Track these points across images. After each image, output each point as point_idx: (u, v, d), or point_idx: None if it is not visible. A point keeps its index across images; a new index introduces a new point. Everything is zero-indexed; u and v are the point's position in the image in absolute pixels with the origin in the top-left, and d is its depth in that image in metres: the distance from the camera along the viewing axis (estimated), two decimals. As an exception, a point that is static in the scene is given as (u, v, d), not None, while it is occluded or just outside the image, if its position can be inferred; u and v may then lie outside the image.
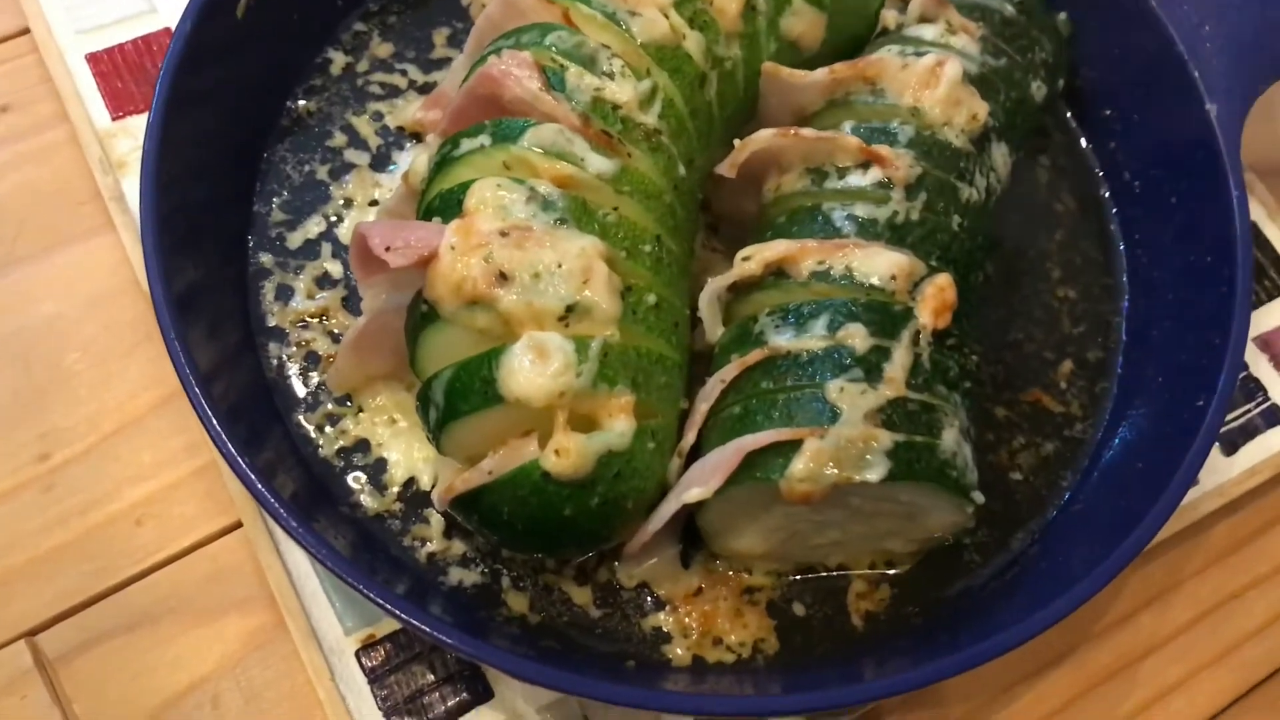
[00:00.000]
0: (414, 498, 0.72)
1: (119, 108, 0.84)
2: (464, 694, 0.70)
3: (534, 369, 0.60)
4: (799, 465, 0.61)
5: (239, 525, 0.74)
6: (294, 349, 0.75)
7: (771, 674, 0.68)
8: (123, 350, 0.79)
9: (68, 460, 0.76)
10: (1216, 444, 0.80)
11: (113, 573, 0.73)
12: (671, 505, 0.64)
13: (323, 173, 0.80)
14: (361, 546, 0.68)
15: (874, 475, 0.61)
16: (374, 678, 0.70)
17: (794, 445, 0.62)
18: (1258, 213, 0.89)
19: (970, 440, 0.67)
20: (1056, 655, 0.77)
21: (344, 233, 0.78)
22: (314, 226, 0.79)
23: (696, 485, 0.63)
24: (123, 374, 0.79)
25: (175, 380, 0.77)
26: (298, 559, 0.72)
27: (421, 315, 0.64)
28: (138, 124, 0.83)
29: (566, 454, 0.60)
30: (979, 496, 0.65)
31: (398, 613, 0.59)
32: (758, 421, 0.64)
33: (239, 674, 0.71)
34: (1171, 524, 0.77)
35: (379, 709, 0.69)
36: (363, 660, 0.70)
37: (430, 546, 0.70)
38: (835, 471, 0.61)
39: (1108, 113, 0.84)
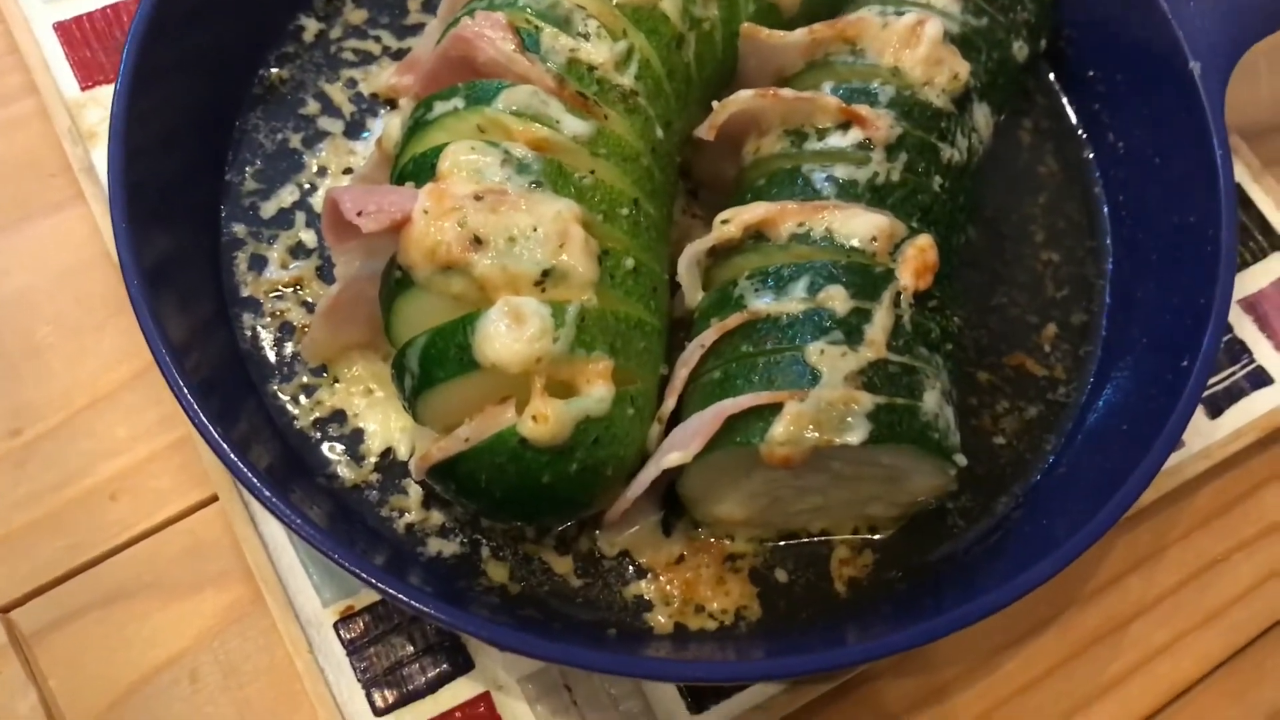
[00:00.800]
0: (391, 468, 0.71)
1: (88, 77, 0.82)
2: (444, 665, 0.69)
3: (510, 334, 0.59)
4: (779, 429, 0.60)
5: (215, 499, 0.74)
6: (268, 319, 0.74)
7: (754, 640, 0.67)
8: (95, 323, 0.78)
9: (40, 435, 0.75)
10: (1201, 406, 0.80)
11: (87, 548, 0.72)
12: (651, 471, 0.63)
13: (296, 141, 0.79)
14: (339, 518, 0.67)
15: (855, 438, 0.60)
16: (353, 649, 0.69)
17: (774, 409, 0.61)
18: (1242, 174, 0.88)
19: (952, 403, 0.66)
20: (1043, 620, 0.77)
21: (318, 202, 0.77)
22: (287, 195, 0.77)
23: (676, 450, 0.62)
24: (95, 347, 0.77)
25: (148, 354, 0.76)
26: (274, 531, 0.71)
27: (395, 282, 0.63)
28: (107, 94, 0.82)
29: (544, 420, 0.59)
30: (961, 459, 0.64)
31: (376, 583, 0.59)
32: (738, 385, 0.63)
33: (217, 648, 0.70)
34: (1157, 487, 0.77)
35: (358, 681, 0.68)
36: (341, 632, 0.69)
37: (408, 517, 0.70)
38: (816, 434, 0.60)
39: (1091, 74, 0.83)
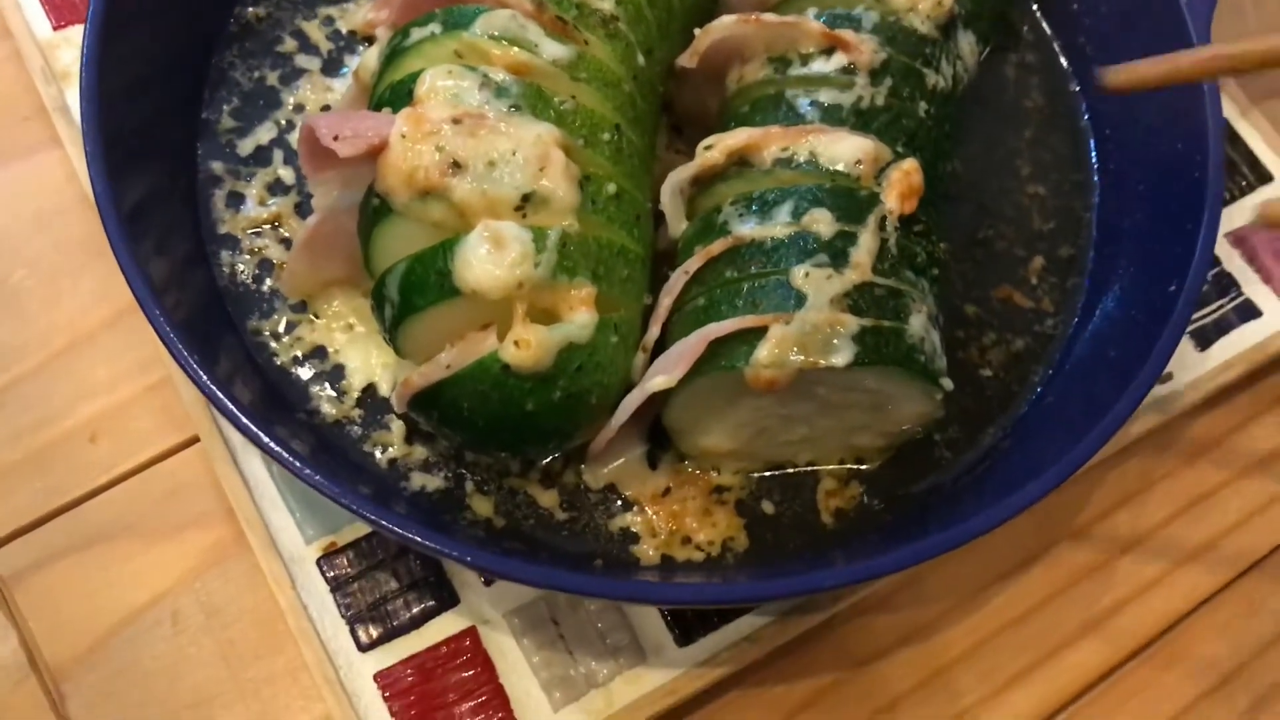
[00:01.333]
0: (373, 404, 0.70)
1: (60, 17, 0.81)
2: (429, 600, 0.69)
3: (490, 259, 0.59)
4: (764, 351, 0.60)
5: (195, 441, 0.73)
6: (247, 257, 0.73)
7: (741, 570, 0.67)
8: (72, 267, 0.77)
9: (17, 378, 0.74)
10: (1190, 339, 0.80)
11: (66, 490, 0.72)
12: (636, 396, 0.63)
13: (273, 79, 0.78)
14: (321, 453, 0.67)
15: (840, 360, 0.60)
16: (336, 586, 0.68)
17: (759, 333, 0.60)
18: (1230, 110, 0.87)
19: (938, 328, 0.65)
20: (1031, 555, 0.76)
21: (296, 139, 0.76)
22: (265, 133, 0.76)
23: (661, 374, 0.61)
24: (73, 291, 0.76)
25: (127, 296, 0.74)
26: (255, 469, 0.70)
27: (374, 210, 0.62)
28: (79, 34, 0.79)
29: (526, 345, 0.59)
30: (947, 383, 0.64)
31: (367, 515, 0.58)
32: (722, 311, 0.62)
33: (198, 589, 0.70)
34: (1146, 420, 0.77)
35: (342, 618, 0.68)
36: (324, 569, 0.69)
37: (391, 452, 0.69)
38: (801, 357, 0.60)
39: (1075, 6, 0.83)
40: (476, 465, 0.69)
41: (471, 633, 0.68)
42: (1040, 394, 0.74)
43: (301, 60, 0.79)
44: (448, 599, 0.69)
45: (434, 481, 0.68)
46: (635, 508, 0.69)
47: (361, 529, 0.70)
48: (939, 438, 0.72)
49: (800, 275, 0.61)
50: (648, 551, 0.68)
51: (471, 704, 0.67)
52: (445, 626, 0.68)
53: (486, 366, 0.60)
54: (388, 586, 0.69)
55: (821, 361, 0.60)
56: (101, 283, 0.77)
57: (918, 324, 0.63)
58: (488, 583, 0.69)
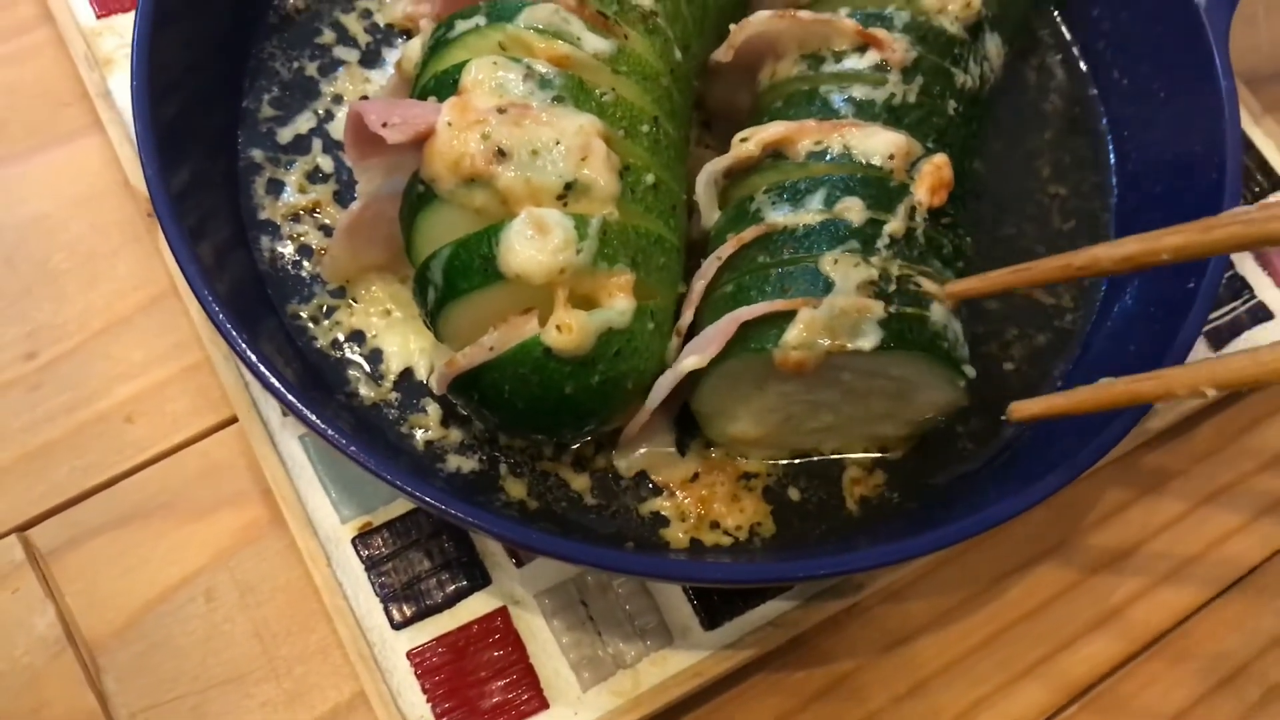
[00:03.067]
0: (410, 387, 0.72)
1: (104, 6, 0.83)
2: (461, 580, 0.70)
3: (534, 245, 0.60)
4: (792, 334, 0.62)
5: (231, 422, 0.74)
6: (286, 242, 0.74)
7: (768, 555, 0.68)
8: (110, 250, 0.78)
9: (56, 358, 0.75)
10: (1204, 340, 0.82)
11: (103, 469, 0.73)
12: (670, 378, 0.64)
13: (312, 69, 0.79)
14: (359, 433, 0.68)
15: (867, 344, 0.62)
16: (370, 565, 0.70)
17: (788, 316, 0.62)
18: (1243, 117, 0.89)
19: (960, 318, 0.67)
20: (1048, 548, 0.78)
21: (335, 129, 0.78)
22: (304, 122, 0.78)
23: (693, 355, 0.63)
24: (111, 273, 0.78)
25: (164, 280, 0.77)
26: (293, 450, 0.72)
27: (418, 196, 0.64)
28: (122, 22, 0.82)
29: (568, 330, 0.60)
30: (970, 370, 0.66)
31: (407, 488, 0.59)
32: (752, 296, 0.64)
33: (233, 567, 0.71)
34: (1162, 417, 0.79)
35: (376, 596, 0.69)
36: (359, 548, 0.70)
37: (428, 434, 0.70)
38: (828, 340, 0.61)
39: (1095, 12, 0.85)
40: (510, 449, 0.71)
41: (503, 613, 0.70)
42: (1060, 388, 0.75)
43: (340, 52, 0.80)
44: (480, 579, 0.70)
45: (469, 463, 0.70)
46: (665, 492, 0.70)
47: (396, 510, 0.71)
48: (961, 429, 0.74)
49: (829, 262, 0.63)
50: (677, 535, 0.69)
51: (502, 682, 0.68)
52: (477, 606, 0.70)
53: (529, 349, 0.61)
54: (421, 566, 0.70)
55: (849, 345, 0.62)
56: (139, 266, 0.78)
57: (940, 313, 0.64)
58: (519, 564, 0.71)
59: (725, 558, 0.68)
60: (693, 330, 0.66)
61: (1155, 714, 0.75)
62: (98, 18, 0.82)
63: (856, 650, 0.74)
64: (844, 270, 0.63)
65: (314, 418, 0.60)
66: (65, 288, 0.77)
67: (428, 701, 0.67)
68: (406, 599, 0.69)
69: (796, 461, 0.72)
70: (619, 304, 0.62)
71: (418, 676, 0.68)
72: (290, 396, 0.60)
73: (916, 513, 0.71)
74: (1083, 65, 0.86)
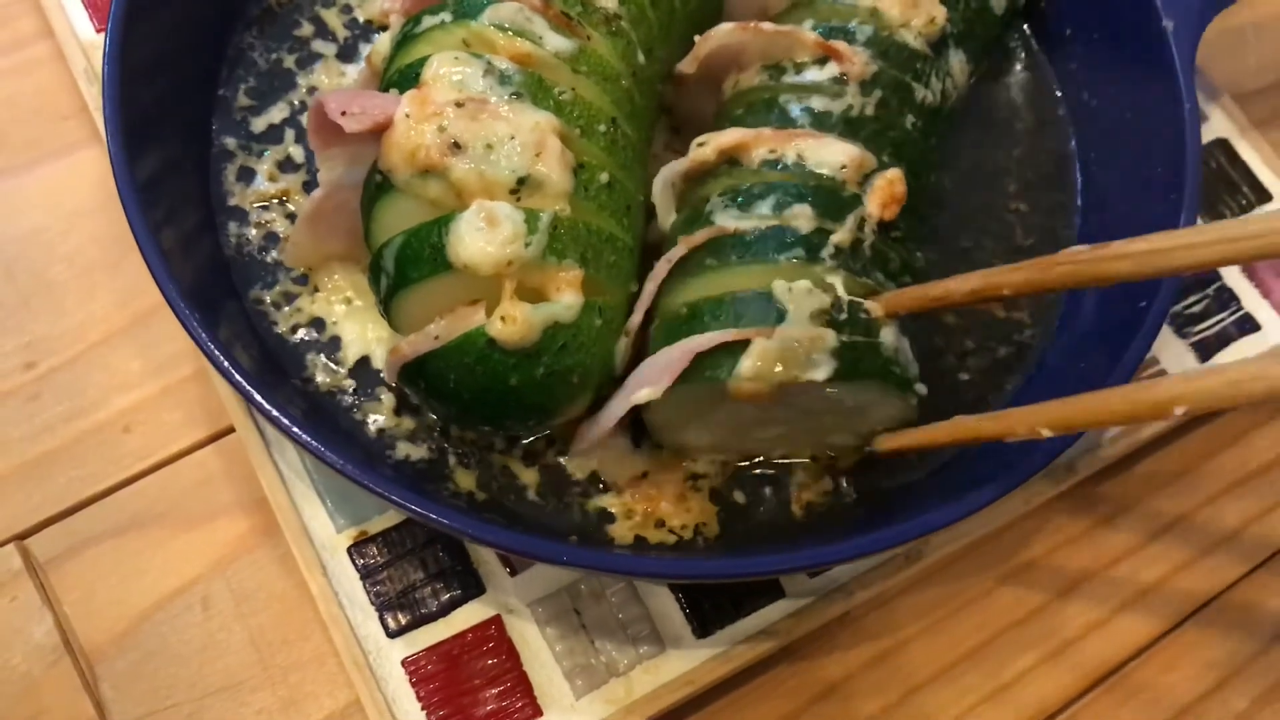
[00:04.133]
0: (366, 375, 0.73)
1: (104, 20, 0.83)
2: (456, 589, 0.71)
3: (483, 236, 0.61)
4: (746, 365, 0.62)
5: (227, 433, 0.75)
6: (253, 229, 0.76)
7: (710, 554, 0.69)
8: (109, 262, 0.79)
9: (54, 369, 0.76)
10: (1191, 351, 0.83)
11: (101, 478, 0.74)
12: (621, 405, 0.65)
13: (290, 61, 0.81)
14: (312, 418, 0.69)
15: (820, 374, 0.62)
16: (366, 574, 0.71)
17: (742, 345, 0.62)
18: (1229, 130, 0.90)
19: (908, 332, 0.67)
20: (1034, 558, 0.79)
21: (307, 120, 0.79)
22: (278, 113, 0.79)
23: (646, 386, 0.63)
24: (109, 285, 0.79)
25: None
26: (290, 460, 0.72)
27: (375, 185, 0.65)
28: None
29: (513, 321, 0.61)
30: (921, 389, 0.66)
31: (352, 473, 0.61)
32: (705, 323, 0.64)
33: (230, 576, 0.72)
34: (1151, 428, 0.80)
35: (371, 604, 0.70)
36: (354, 557, 0.71)
37: (380, 422, 0.71)
38: (782, 371, 0.62)
39: (1068, 32, 0.85)
40: (461, 440, 0.71)
41: (496, 621, 0.70)
42: (1012, 403, 0.76)
43: (318, 45, 0.82)
44: (474, 588, 0.71)
45: (419, 452, 0.71)
46: (613, 489, 0.71)
47: (391, 519, 0.72)
48: (911, 439, 0.74)
49: (783, 289, 0.63)
50: (623, 531, 0.70)
51: (496, 690, 0.69)
52: (471, 615, 0.71)
53: (473, 340, 0.62)
54: (416, 575, 0.71)
55: (802, 376, 0.62)
56: (136, 278, 0.79)
57: (890, 336, 0.65)
58: (513, 573, 0.71)
59: (669, 555, 0.69)
60: (640, 353, 0.67)
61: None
62: (97, 31, 0.84)
63: (848, 658, 0.74)
64: (797, 299, 0.63)
65: (260, 398, 0.61)
66: (64, 299, 0.78)
67: (422, 709, 0.68)
68: (401, 608, 0.70)
69: (745, 464, 0.73)
70: (566, 298, 0.63)
71: (412, 685, 0.69)
72: (237, 376, 0.62)
73: (862, 519, 0.71)
74: (1054, 85, 0.86)
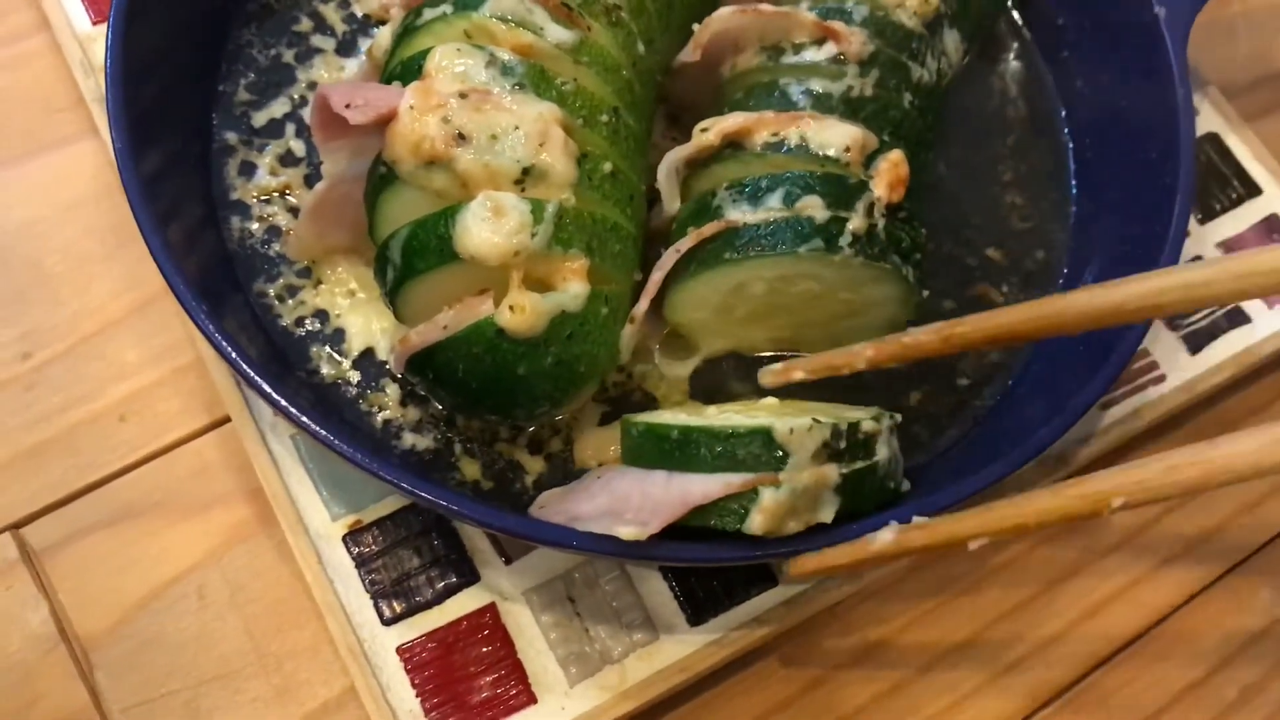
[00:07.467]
0: (371, 367, 0.73)
1: (100, 12, 0.83)
2: (450, 577, 0.71)
3: (490, 227, 0.61)
4: (757, 520, 0.59)
5: (223, 422, 0.75)
6: (256, 223, 0.76)
7: (708, 539, 0.69)
8: (104, 253, 0.79)
9: (49, 359, 0.76)
10: (1182, 343, 0.83)
11: (97, 468, 0.74)
12: (599, 526, 0.61)
13: (289, 56, 0.81)
14: (318, 410, 0.69)
15: (828, 515, 0.61)
16: (361, 562, 0.71)
17: (748, 495, 0.59)
18: (1219, 124, 0.91)
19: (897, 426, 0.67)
20: (1025, 549, 0.79)
21: (308, 114, 0.79)
22: (279, 107, 0.79)
23: (633, 526, 0.60)
24: (104, 276, 0.79)
25: (158, 282, 0.77)
26: (284, 449, 0.72)
27: (380, 177, 0.65)
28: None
29: (521, 310, 0.62)
30: (905, 485, 0.67)
31: (361, 461, 0.61)
32: (700, 455, 0.60)
33: (225, 565, 0.72)
34: (1141, 418, 0.80)
35: (366, 592, 0.70)
36: (349, 545, 0.71)
37: (386, 413, 0.72)
38: (794, 523, 0.60)
39: (1061, 21, 0.86)
40: (467, 429, 0.72)
41: (491, 609, 0.71)
42: (1011, 385, 0.77)
43: (317, 40, 0.82)
44: (469, 576, 0.71)
45: (424, 441, 0.71)
46: (618, 478, 0.71)
47: (386, 508, 0.72)
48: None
49: (784, 431, 0.59)
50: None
51: (491, 677, 0.69)
52: (466, 602, 0.71)
53: (482, 329, 0.62)
54: (411, 563, 0.71)
55: (813, 520, 0.61)
56: (132, 269, 0.79)
57: (884, 454, 0.64)
58: (508, 561, 0.71)
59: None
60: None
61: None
62: (93, 24, 0.83)
63: (840, 647, 0.75)
64: (799, 440, 0.60)
65: (268, 388, 0.62)
66: (59, 290, 0.78)
67: (417, 696, 0.68)
68: (396, 596, 0.70)
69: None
70: (573, 288, 0.64)
71: (407, 672, 0.69)
72: (245, 368, 0.62)
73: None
74: (1047, 73, 0.87)
